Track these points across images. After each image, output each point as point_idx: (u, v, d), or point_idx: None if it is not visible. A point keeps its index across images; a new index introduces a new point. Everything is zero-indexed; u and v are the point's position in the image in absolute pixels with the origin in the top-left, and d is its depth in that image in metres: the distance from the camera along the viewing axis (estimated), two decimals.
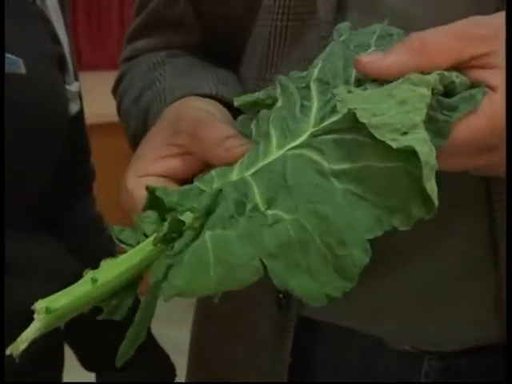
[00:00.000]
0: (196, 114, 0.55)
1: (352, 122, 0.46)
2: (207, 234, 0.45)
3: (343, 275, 0.43)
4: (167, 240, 0.46)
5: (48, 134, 0.66)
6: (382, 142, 0.43)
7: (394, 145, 0.42)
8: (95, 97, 0.82)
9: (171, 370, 0.91)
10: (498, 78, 0.47)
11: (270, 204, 0.46)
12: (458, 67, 0.48)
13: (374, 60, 0.47)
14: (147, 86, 0.69)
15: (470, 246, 0.62)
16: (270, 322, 0.67)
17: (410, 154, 0.43)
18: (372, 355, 0.67)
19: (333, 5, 0.59)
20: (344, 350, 0.68)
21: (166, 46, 0.74)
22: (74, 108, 0.76)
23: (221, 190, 0.48)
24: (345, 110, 0.45)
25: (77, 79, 0.77)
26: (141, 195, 0.51)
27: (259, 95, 0.54)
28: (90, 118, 0.79)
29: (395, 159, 0.44)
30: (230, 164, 0.50)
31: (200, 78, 0.65)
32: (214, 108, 0.58)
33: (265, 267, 0.44)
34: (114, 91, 0.79)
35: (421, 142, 0.42)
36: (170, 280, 0.44)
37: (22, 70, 0.61)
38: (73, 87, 0.76)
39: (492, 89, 0.47)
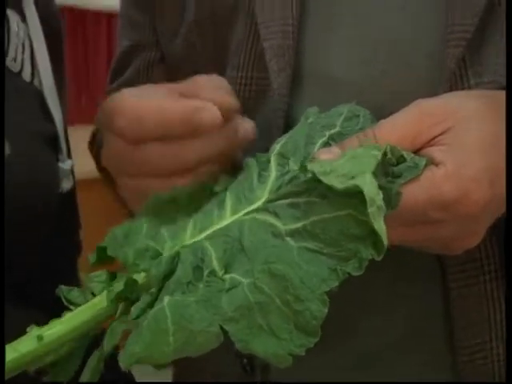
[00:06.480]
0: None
1: (305, 186, 0.48)
2: (166, 300, 0.46)
3: (304, 331, 0.43)
4: (120, 298, 0.48)
5: (35, 214, 0.66)
6: (332, 198, 0.45)
7: (340, 186, 0.44)
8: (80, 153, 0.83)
9: None
10: (443, 154, 0.48)
11: (227, 268, 0.47)
12: None
13: (330, 157, 0.48)
14: None
15: (421, 318, 0.62)
16: None
17: (358, 200, 0.44)
18: None
19: (287, 78, 0.60)
20: None
21: None
22: (65, 185, 0.76)
23: (178, 253, 0.49)
24: (296, 167, 0.47)
25: (70, 157, 0.78)
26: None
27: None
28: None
29: (344, 208, 0.45)
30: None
31: None
32: None
33: (226, 332, 0.44)
34: None
35: (367, 183, 0.43)
36: (129, 347, 0.45)
37: (6, 150, 0.62)
38: (66, 165, 0.76)
39: (436, 164, 0.48)
